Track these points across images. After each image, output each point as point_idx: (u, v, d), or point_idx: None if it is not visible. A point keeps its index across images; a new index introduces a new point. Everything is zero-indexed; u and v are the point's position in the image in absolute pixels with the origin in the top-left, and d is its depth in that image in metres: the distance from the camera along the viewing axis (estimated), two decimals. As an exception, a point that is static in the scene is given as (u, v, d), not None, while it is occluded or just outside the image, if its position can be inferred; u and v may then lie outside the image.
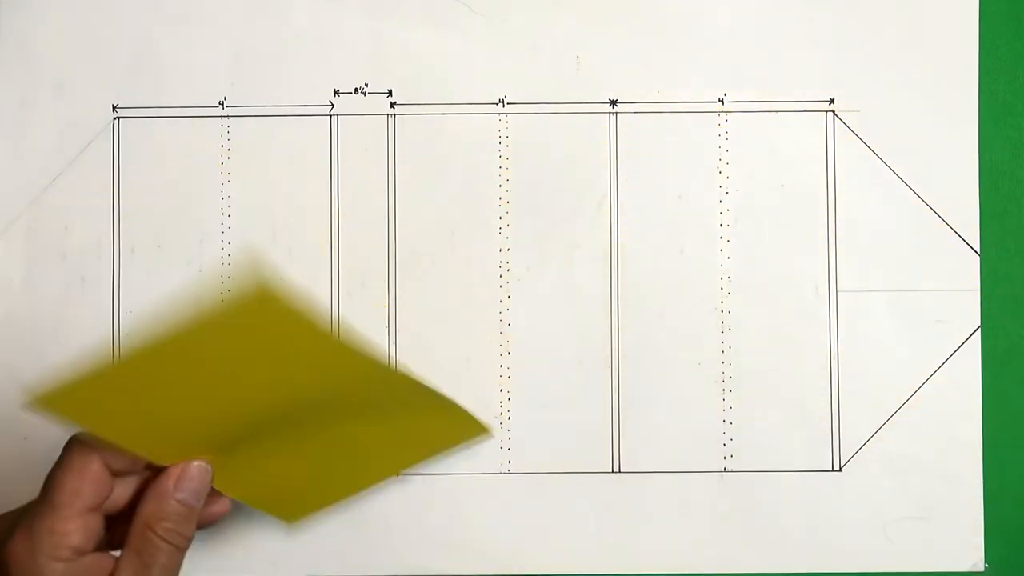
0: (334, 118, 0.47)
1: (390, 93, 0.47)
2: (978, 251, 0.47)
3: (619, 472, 0.47)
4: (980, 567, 0.47)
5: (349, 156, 0.47)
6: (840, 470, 0.47)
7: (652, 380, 0.47)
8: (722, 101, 0.47)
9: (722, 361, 0.47)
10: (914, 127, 0.47)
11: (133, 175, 0.47)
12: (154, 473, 0.38)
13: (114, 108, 0.47)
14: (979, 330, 0.47)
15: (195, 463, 0.39)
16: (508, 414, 0.47)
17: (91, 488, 0.37)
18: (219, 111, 0.47)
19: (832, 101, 0.47)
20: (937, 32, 0.47)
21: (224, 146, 0.47)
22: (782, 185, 0.47)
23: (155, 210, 0.47)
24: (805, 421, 0.47)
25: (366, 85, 0.47)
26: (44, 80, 0.47)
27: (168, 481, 0.38)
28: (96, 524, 0.37)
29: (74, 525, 0.36)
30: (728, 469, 0.47)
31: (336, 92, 0.47)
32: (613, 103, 0.47)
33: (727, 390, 0.47)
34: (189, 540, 0.39)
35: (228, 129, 0.47)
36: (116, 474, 0.38)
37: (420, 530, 0.46)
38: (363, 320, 0.46)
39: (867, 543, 0.47)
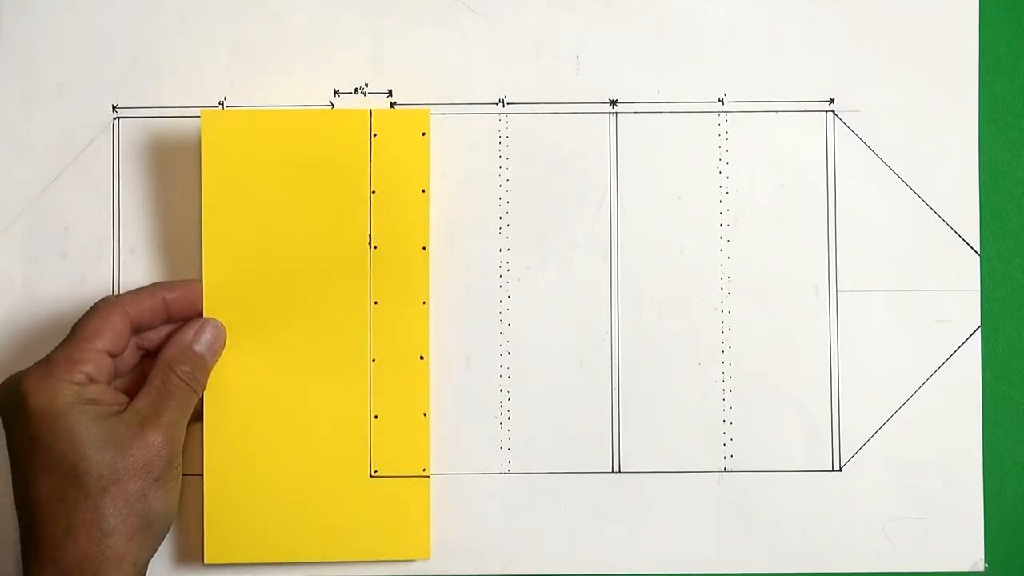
0: (334, 118, 0.47)
1: (390, 93, 0.47)
2: (978, 251, 0.47)
3: (619, 472, 0.47)
4: (980, 567, 0.47)
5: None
6: (840, 470, 0.47)
7: (652, 380, 0.47)
8: (722, 101, 0.47)
9: (722, 361, 0.47)
10: (914, 127, 0.47)
11: (133, 175, 0.47)
12: (175, 328, 0.43)
13: (114, 108, 0.47)
14: (979, 330, 0.47)
15: (212, 320, 0.44)
16: (508, 414, 0.47)
17: (110, 332, 0.41)
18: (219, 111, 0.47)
19: (832, 101, 0.47)
20: (937, 32, 0.47)
21: (224, 146, 0.47)
22: (782, 185, 0.47)
23: (155, 210, 0.47)
24: (805, 421, 0.47)
25: (366, 85, 0.47)
26: (44, 80, 0.47)
27: (189, 331, 0.43)
28: (108, 367, 0.41)
29: (89, 356, 0.40)
30: (728, 469, 0.47)
31: (336, 92, 0.47)
32: (613, 103, 0.47)
33: (727, 390, 0.47)
34: (202, 388, 0.43)
35: (228, 129, 0.47)
36: (136, 330, 0.42)
37: (420, 530, 0.46)
38: (363, 320, 0.47)
39: (867, 543, 0.47)
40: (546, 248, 0.47)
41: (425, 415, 0.45)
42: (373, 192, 0.44)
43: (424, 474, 0.45)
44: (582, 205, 0.47)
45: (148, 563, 0.41)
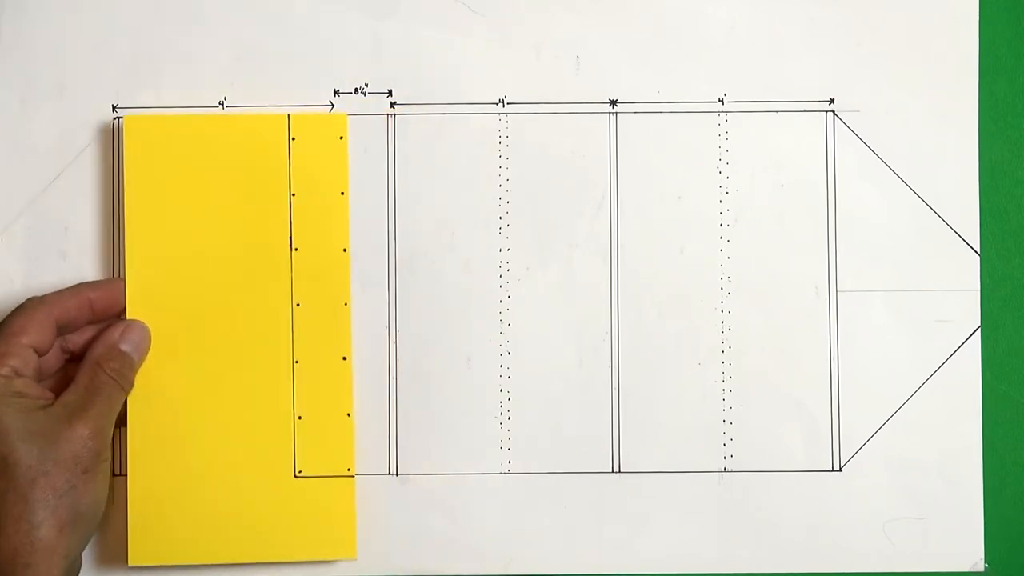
0: (334, 118, 0.47)
1: (390, 93, 0.47)
2: (978, 251, 0.47)
3: (619, 472, 0.47)
4: (980, 567, 0.47)
5: (349, 156, 0.47)
6: (840, 470, 0.47)
7: (652, 380, 0.47)
8: (722, 101, 0.47)
9: (722, 361, 0.47)
10: (914, 127, 0.47)
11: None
12: (100, 329, 0.44)
13: (114, 108, 0.47)
14: (979, 330, 0.47)
15: (138, 321, 0.44)
16: (508, 414, 0.47)
17: (36, 329, 0.41)
18: (219, 111, 0.47)
19: (832, 101, 0.47)
20: (937, 32, 0.47)
21: (224, 146, 0.47)
22: (782, 185, 0.47)
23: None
24: (805, 421, 0.47)
25: (366, 85, 0.47)
26: (44, 80, 0.47)
27: (115, 331, 0.43)
28: (34, 363, 0.42)
29: (15, 351, 0.41)
30: (728, 469, 0.47)
31: (336, 92, 0.47)
32: (613, 103, 0.47)
33: (727, 390, 0.47)
34: (130, 385, 0.44)
35: (228, 129, 0.47)
36: (61, 329, 0.43)
37: (420, 530, 0.46)
38: (364, 320, 0.46)
39: (867, 543, 0.47)
40: (546, 248, 0.47)
41: (349, 415, 0.45)
42: (293, 195, 0.45)
43: (348, 474, 0.45)
44: (582, 205, 0.47)
45: (79, 557, 0.41)
